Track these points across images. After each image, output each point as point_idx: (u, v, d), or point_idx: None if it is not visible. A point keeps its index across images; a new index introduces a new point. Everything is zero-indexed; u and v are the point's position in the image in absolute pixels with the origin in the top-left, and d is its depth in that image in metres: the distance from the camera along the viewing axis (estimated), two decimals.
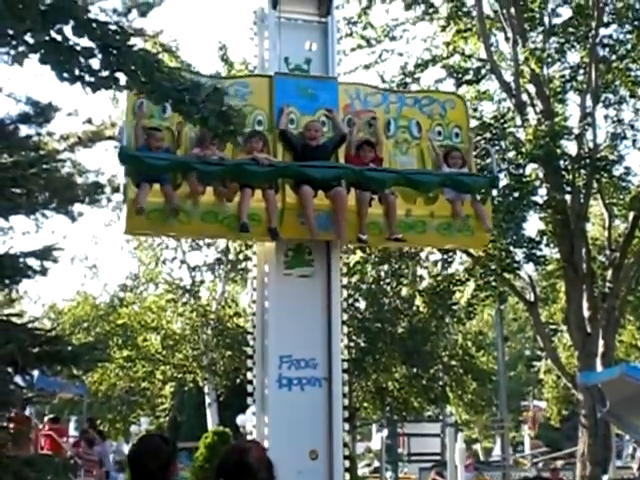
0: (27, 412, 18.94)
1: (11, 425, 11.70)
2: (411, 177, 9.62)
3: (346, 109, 10.00)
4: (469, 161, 10.30)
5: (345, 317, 10.20)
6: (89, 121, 25.27)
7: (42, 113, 11.81)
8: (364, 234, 9.42)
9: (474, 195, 10.06)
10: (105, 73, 6.26)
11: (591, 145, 24.64)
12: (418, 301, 30.17)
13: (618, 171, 24.79)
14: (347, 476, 9.77)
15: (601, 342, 24.30)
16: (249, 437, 9.88)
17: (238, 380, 29.03)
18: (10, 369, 10.55)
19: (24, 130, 12.01)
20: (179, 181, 9.02)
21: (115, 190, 23.29)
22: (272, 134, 9.55)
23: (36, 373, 12.07)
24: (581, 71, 25.21)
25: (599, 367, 23.43)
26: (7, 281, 11.70)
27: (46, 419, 23.35)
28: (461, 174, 9.92)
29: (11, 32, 6.44)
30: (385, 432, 35.86)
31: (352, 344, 24.42)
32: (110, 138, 25.91)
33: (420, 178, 9.71)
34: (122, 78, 6.39)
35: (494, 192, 23.67)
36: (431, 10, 25.87)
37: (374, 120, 10.03)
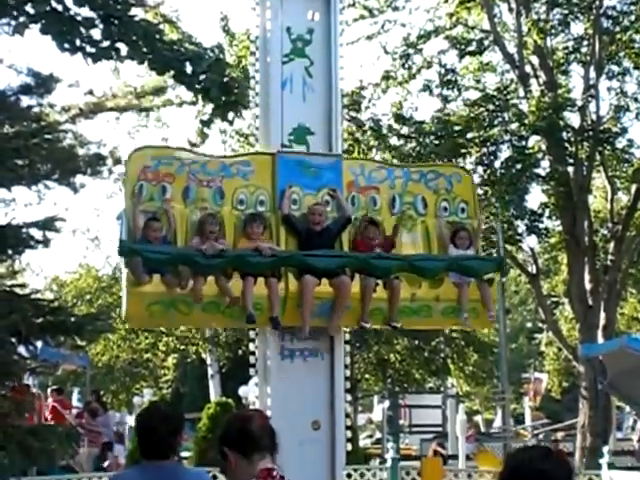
0: (30, 383, 19.04)
1: (15, 395, 11.76)
2: (416, 264, 9.40)
3: (350, 186, 9.77)
4: (477, 241, 10.13)
5: None
6: (90, 92, 25.25)
7: (43, 84, 11.74)
8: (367, 322, 9.32)
9: (480, 277, 9.88)
10: (106, 43, 6.25)
11: (594, 117, 24.61)
12: None
13: (621, 143, 24.77)
14: (349, 446, 9.82)
15: (602, 314, 24.37)
16: (251, 408, 9.91)
17: (240, 351, 29.10)
18: (14, 339, 10.59)
19: (25, 101, 11.96)
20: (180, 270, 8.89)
21: (117, 162, 23.29)
22: (274, 215, 9.35)
23: (39, 344, 12.11)
24: (585, 42, 25.13)
25: (600, 339, 23.50)
26: (10, 252, 11.72)
27: (49, 390, 23.43)
28: (467, 258, 9.72)
29: (12, 2, 6.42)
30: (386, 404, 35.94)
31: None
32: (111, 109, 25.91)
33: (425, 265, 9.48)
34: (123, 49, 6.38)
35: (497, 165, 23.88)
36: None
37: (377, 204, 9.81)
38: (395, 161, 23.69)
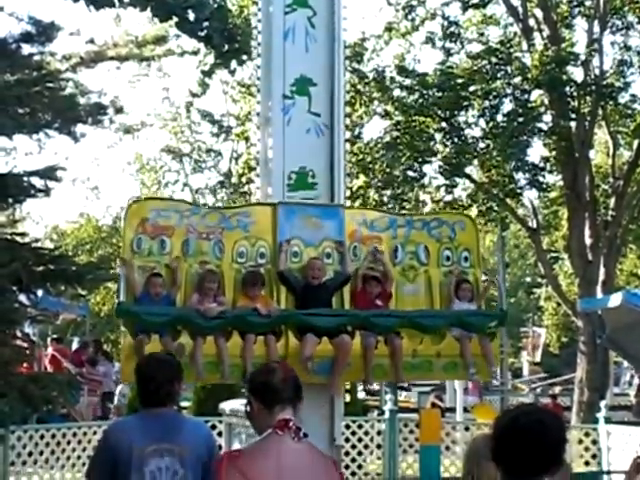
0: (30, 332, 19.13)
1: (16, 342, 11.83)
2: (417, 321, 9.32)
3: (352, 236, 9.62)
4: (481, 294, 10.05)
5: None
6: (91, 41, 25.08)
7: (44, 32, 11.69)
8: (371, 383, 9.25)
9: (482, 333, 9.82)
10: None
11: (597, 72, 24.53)
12: None
13: (624, 98, 24.74)
14: (347, 397, 9.88)
15: (602, 270, 24.44)
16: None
17: None
18: (15, 287, 10.62)
19: (26, 49, 11.90)
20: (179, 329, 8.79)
21: (118, 111, 23.19)
22: (275, 268, 9.20)
23: (40, 293, 12.14)
24: None
25: (599, 295, 23.55)
26: (10, 200, 11.72)
27: (49, 339, 23.56)
28: (469, 314, 9.63)
29: None
30: None
31: None
32: (112, 59, 25.76)
33: (427, 322, 9.38)
34: None
35: (499, 118, 23.83)
36: None
37: (380, 253, 9.63)
38: (397, 113, 23.75)
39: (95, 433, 14.44)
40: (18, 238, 11.55)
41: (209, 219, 9.13)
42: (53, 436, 14.21)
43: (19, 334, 13.29)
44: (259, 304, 8.78)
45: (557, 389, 33.92)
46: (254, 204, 9.89)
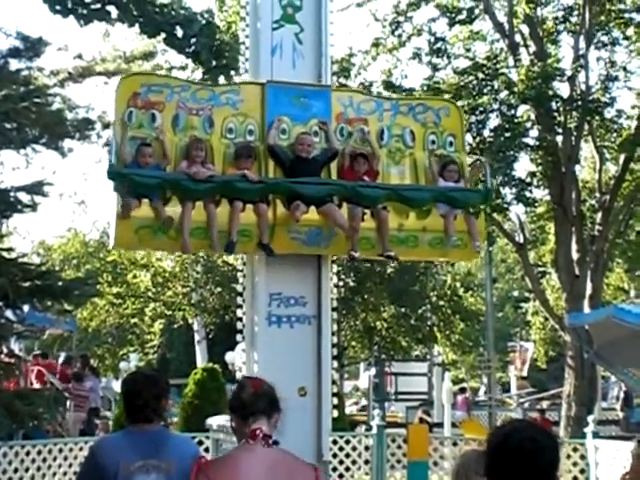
0: (16, 347, 19.05)
1: (2, 359, 11.77)
2: (404, 194, 9.43)
3: (339, 117, 9.76)
4: (468, 176, 10.13)
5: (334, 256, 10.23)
6: (79, 56, 25.13)
7: (32, 47, 11.68)
8: (356, 251, 9.32)
9: (467, 209, 9.91)
10: (97, 6, 6.21)
11: (583, 87, 24.62)
12: None
13: (610, 113, 24.85)
14: (335, 413, 9.87)
15: (589, 284, 24.50)
16: (238, 374, 9.95)
17: (227, 317, 29.15)
18: (1, 303, 10.57)
19: (14, 64, 11.90)
20: (168, 195, 8.90)
21: (105, 126, 23.21)
22: (263, 145, 9.34)
23: (26, 309, 12.10)
24: (574, 12, 25.09)
25: (587, 309, 23.62)
26: None
27: (32, 355, 23.45)
28: (454, 189, 9.71)
29: None
30: (373, 371, 36.12)
31: (341, 283, 24.48)
32: (100, 74, 25.80)
33: (413, 195, 9.50)
34: (114, 11, 6.34)
35: (486, 134, 23.89)
36: None
37: (367, 133, 9.76)
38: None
39: (81, 449, 14.42)
40: (5, 253, 11.50)
41: (199, 95, 9.28)
42: (39, 452, 14.19)
43: (5, 350, 13.23)
44: (247, 172, 8.95)
45: (545, 404, 33.99)
46: (243, 83, 9.99)
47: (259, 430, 4.94)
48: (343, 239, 9.27)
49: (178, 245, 8.88)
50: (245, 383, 5.29)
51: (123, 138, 8.86)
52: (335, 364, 9.98)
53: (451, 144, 10.17)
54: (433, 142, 10.08)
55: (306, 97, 9.63)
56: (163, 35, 6.17)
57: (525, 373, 45.81)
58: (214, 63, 6.09)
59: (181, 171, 8.83)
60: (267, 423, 5.02)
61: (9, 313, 11.01)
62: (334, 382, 9.99)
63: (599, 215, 25.30)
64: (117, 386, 35.04)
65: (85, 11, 5.59)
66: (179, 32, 5.85)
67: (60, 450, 14.55)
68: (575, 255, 24.51)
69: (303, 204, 8.95)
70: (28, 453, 14.03)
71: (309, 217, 9.04)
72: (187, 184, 8.70)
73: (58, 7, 5.53)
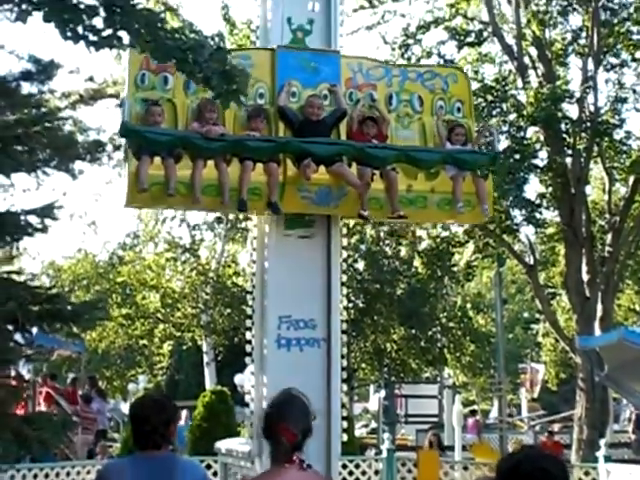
0: (24, 370, 19.03)
1: (10, 382, 11.75)
2: (412, 155, 9.55)
3: (348, 83, 9.93)
4: (475, 139, 10.24)
5: (344, 278, 10.21)
6: (91, 79, 25.23)
7: (44, 70, 11.71)
8: (365, 210, 9.39)
9: (475, 171, 10.01)
10: (108, 32, 6.21)
11: (592, 108, 24.61)
12: (417, 262, 30.29)
13: (619, 135, 24.81)
14: (345, 436, 9.84)
15: (600, 306, 24.41)
16: (247, 397, 9.93)
17: (236, 339, 29.09)
18: (10, 327, 10.56)
19: (26, 88, 11.93)
20: (180, 154, 9.01)
21: (116, 148, 23.27)
22: (273, 107, 9.51)
23: (35, 330, 12.10)
24: (583, 34, 25.18)
25: (597, 331, 23.53)
26: (8, 238, 11.69)
27: (41, 376, 23.40)
28: (462, 151, 9.83)
29: None
30: (383, 393, 36.01)
31: (351, 305, 24.44)
32: (111, 96, 25.89)
33: (421, 156, 9.65)
34: (125, 37, 6.34)
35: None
36: None
37: (374, 100, 9.93)
38: None
39: (89, 472, 14.37)
40: (14, 276, 11.50)
41: None
42: (46, 475, 14.15)
43: (13, 373, 13.22)
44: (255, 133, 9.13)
45: (556, 426, 33.79)
46: (254, 48, 10.07)
47: (294, 455, 5.14)
48: (352, 199, 9.38)
49: (189, 202, 8.95)
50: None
51: (135, 98, 9.04)
52: (345, 387, 9.96)
53: (459, 110, 10.32)
54: (441, 107, 10.23)
55: (316, 62, 9.77)
56: (174, 60, 6.20)
57: (536, 395, 45.57)
58: (225, 88, 6.10)
59: (193, 130, 8.96)
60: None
61: (18, 336, 11.01)
62: (344, 405, 9.98)
63: (609, 236, 25.26)
64: (125, 408, 35.01)
65: (96, 38, 5.61)
66: (189, 57, 5.87)
67: (68, 474, 14.52)
68: (585, 276, 24.45)
69: (313, 163, 9.10)
70: (35, 476, 14.00)
71: (319, 177, 9.19)
72: (199, 142, 8.85)
73: (69, 33, 5.55)
